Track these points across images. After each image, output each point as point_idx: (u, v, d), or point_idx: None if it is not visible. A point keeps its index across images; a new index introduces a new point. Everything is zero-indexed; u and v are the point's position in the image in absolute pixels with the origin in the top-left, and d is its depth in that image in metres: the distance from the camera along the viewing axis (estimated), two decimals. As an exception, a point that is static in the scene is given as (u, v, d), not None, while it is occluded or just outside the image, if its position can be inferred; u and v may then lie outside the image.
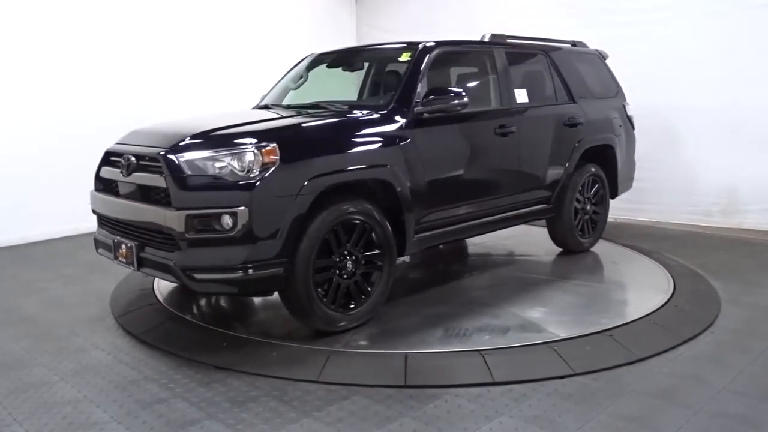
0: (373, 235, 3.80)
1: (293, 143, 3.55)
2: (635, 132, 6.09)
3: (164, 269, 3.47)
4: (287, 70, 5.35)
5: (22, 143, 6.41)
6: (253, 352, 3.53)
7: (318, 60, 5.16)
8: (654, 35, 6.87)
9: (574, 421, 2.76)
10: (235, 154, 3.38)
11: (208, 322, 4.06)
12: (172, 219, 3.34)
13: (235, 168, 3.34)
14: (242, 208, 3.27)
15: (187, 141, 3.53)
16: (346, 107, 4.37)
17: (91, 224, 4.34)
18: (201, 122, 3.91)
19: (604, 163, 5.66)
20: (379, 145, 3.89)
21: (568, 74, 5.41)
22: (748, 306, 4.23)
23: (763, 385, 3.11)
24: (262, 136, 3.49)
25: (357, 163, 3.76)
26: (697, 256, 5.46)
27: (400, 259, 5.30)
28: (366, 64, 5.30)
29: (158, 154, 3.47)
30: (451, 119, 4.27)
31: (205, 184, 3.38)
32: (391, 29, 8.94)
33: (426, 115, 4.10)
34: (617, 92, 5.98)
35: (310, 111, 4.43)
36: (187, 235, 3.31)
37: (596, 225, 5.67)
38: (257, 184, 3.31)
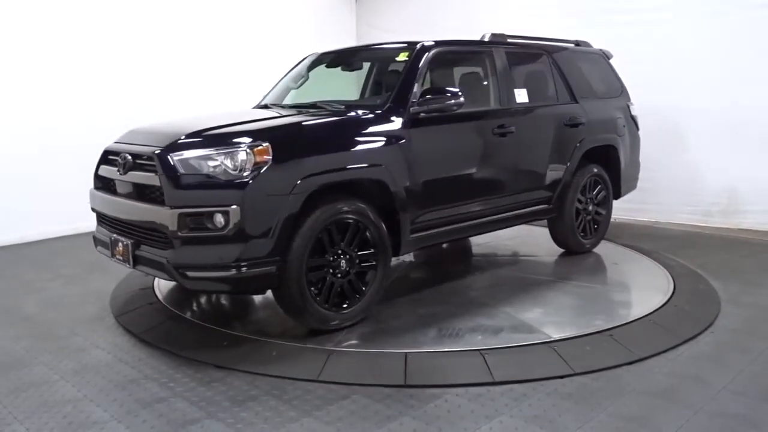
0: (368, 234, 3.80)
1: (286, 143, 3.57)
2: (640, 132, 6.05)
3: (158, 267, 3.50)
4: (288, 70, 5.35)
5: (21, 143, 6.41)
6: (253, 351, 3.53)
7: (319, 60, 5.16)
8: (654, 35, 6.87)
9: (574, 421, 2.76)
10: (228, 153, 3.40)
11: (208, 322, 4.06)
12: (165, 217, 3.38)
13: (228, 167, 3.37)
14: (234, 206, 3.30)
15: (181, 140, 3.56)
16: (343, 107, 4.37)
17: (90, 224, 4.36)
18: (197, 122, 3.93)
19: (607, 163, 5.63)
20: (374, 144, 3.90)
21: (570, 74, 5.39)
22: (747, 306, 4.23)
23: (762, 385, 3.11)
24: (255, 136, 3.51)
25: (351, 163, 3.77)
26: (696, 256, 5.46)
27: (401, 259, 5.36)
28: (364, 64, 5.30)
29: (153, 153, 3.51)
30: (448, 119, 4.26)
31: (198, 182, 3.41)
32: (391, 29, 8.96)
33: (422, 114, 4.10)
34: (621, 92, 5.94)
35: (308, 111, 4.43)
36: (180, 234, 3.35)
37: (599, 226, 5.65)
38: (249, 183, 3.34)
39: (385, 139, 3.94)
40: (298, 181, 3.46)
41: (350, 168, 3.76)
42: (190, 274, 3.41)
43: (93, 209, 4.18)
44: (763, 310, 4.16)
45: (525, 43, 5.25)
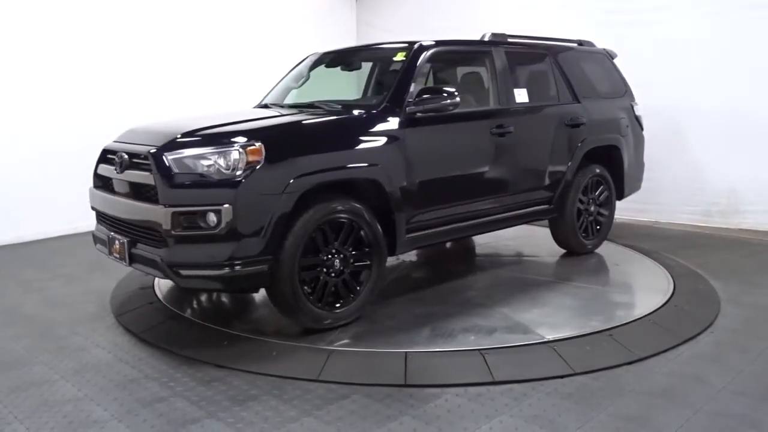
0: (362, 234, 3.81)
1: (278, 142, 3.58)
2: (644, 132, 6.01)
3: (152, 265, 3.54)
4: (289, 69, 5.36)
5: (20, 142, 6.41)
6: (253, 351, 3.53)
7: (320, 59, 5.16)
8: (654, 35, 6.87)
9: (574, 421, 2.76)
10: (221, 152, 3.43)
11: (208, 321, 4.06)
12: (159, 216, 3.41)
13: (221, 166, 3.39)
14: (226, 205, 3.32)
15: (176, 140, 3.59)
16: (340, 107, 4.37)
17: (89, 223, 4.38)
18: (193, 121, 3.95)
19: (611, 163, 5.60)
20: (369, 144, 3.90)
21: (571, 74, 5.36)
22: (747, 306, 4.23)
23: (762, 384, 3.11)
24: (248, 136, 3.53)
25: (345, 163, 3.77)
26: (696, 256, 5.47)
27: (401, 258, 5.37)
28: (363, 64, 5.30)
29: (148, 152, 3.54)
30: (445, 119, 4.25)
31: (191, 182, 3.43)
32: (389, 28, 8.96)
33: (419, 114, 4.10)
34: (625, 92, 5.90)
35: (305, 110, 4.43)
36: (173, 232, 3.38)
37: (601, 226, 5.61)
38: (241, 182, 3.35)
39: (380, 138, 3.95)
40: (291, 181, 3.47)
41: (344, 168, 3.76)
42: (183, 272, 3.45)
43: (92, 208, 4.21)
44: (763, 310, 4.16)
45: (525, 43, 5.23)
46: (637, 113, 5.91)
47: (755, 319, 4.02)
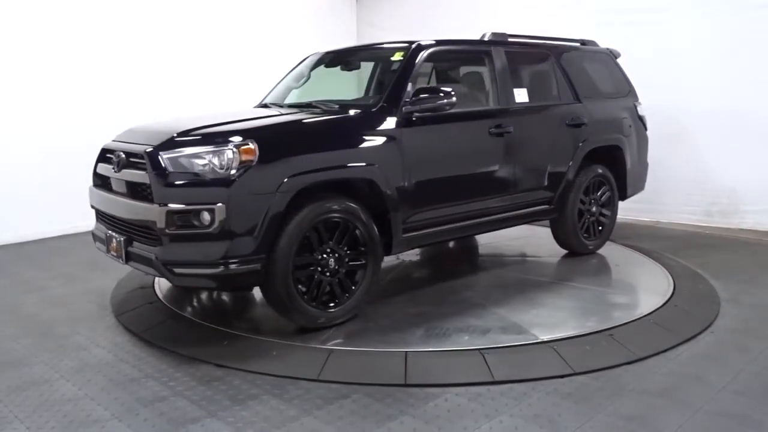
0: (357, 233, 3.81)
1: (272, 142, 3.60)
2: (648, 132, 5.97)
3: (147, 263, 3.56)
4: (290, 69, 5.36)
5: (20, 141, 6.41)
6: (254, 351, 3.53)
7: (321, 59, 5.16)
8: (654, 35, 6.87)
9: (574, 420, 2.76)
10: (215, 152, 3.44)
11: (208, 321, 4.06)
12: (154, 214, 3.43)
13: (215, 166, 3.41)
14: (220, 204, 3.34)
15: (171, 139, 3.61)
16: (337, 107, 4.37)
17: (89, 223, 4.39)
18: (191, 121, 3.96)
19: (613, 164, 5.57)
20: (364, 144, 3.91)
21: (573, 74, 5.33)
22: (747, 306, 4.23)
23: (762, 384, 3.11)
24: (242, 135, 3.54)
25: (339, 162, 3.78)
26: (697, 255, 5.46)
27: (401, 258, 5.37)
28: (362, 64, 5.29)
29: (143, 151, 3.56)
30: (443, 118, 4.24)
31: (186, 181, 3.45)
32: (389, 27, 8.96)
33: (416, 114, 4.10)
34: (629, 92, 5.86)
35: (303, 110, 4.43)
36: (167, 231, 3.40)
37: (603, 227, 5.58)
38: (235, 181, 3.37)
39: (376, 138, 3.95)
40: (285, 180, 3.49)
41: (339, 167, 3.77)
42: (177, 270, 3.47)
43: (92, 206, 4.25)
44: (763, 310, 4.16)
45: (526, 43, 5.22)
46: (640, 113, 5.87)
47: (755, 318, 4.02)
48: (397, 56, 4.40)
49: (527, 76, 5.07)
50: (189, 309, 4.33)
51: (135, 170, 3.66)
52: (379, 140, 3.95)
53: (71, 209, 6.14)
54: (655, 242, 6.02)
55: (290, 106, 4.79)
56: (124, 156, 3.77)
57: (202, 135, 3.68)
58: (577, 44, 5.68)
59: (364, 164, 3.85)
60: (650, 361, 3.37)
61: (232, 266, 3.41)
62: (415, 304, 4.25)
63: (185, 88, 7.43)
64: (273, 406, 2.92)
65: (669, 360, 3.39)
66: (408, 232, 4.13)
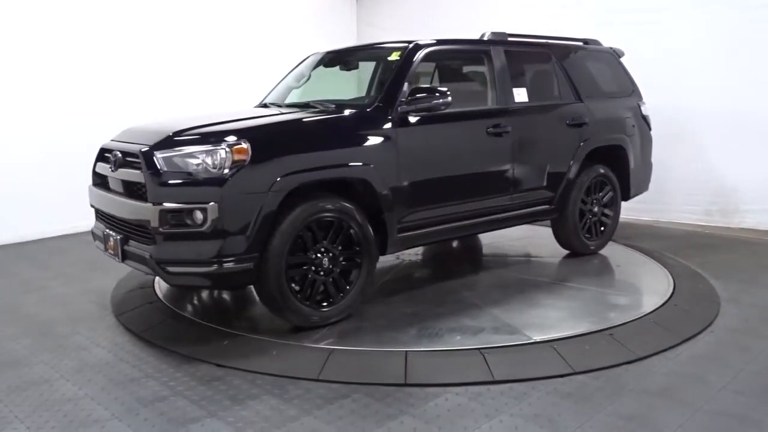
0: (352, 233, 3.82)
1: (265, 141, 3.61)
2: (652, 132, 5.93)
3: (142, 261, 3.58)
4: (291, 69, 5.36)
5: (20, 141, 6.41)
6: (254, 350, 3.53)
7: (322, 59, 5.16)
8: (654, 35, 6.87)
9: (574, 420, 2.76)
10: (208, 151, 3.46)
11: (208, 320, 4.06)
12: (148, 213, 3.46)
13: (209, 165, 3.43)
14: (212, 204, 3.36)
15: (166, 139, 3.64)
16: (334, 106, 4.36)
17: (89, 223, 4.41)
18: (188, 121, 3.97)
19: (616, 164, 5.54)
20: (359, 143, 3.91)
21: (574, 73, 5.30)
22: (747, 305, 4.23)
23: (762, 384, 3.11)
24: (235, 135, 3.55)
25: (333, 162, 3.78)
26: (697, 255, 5.46)
27: (401, 257, 5.36)
28: (360, 64, 5.28)
29: (138, 150, 3.60)
30: (439, 118, 4.23)
31: (179, 180, 3.47)
32: (389, 27, 8.95)
33: (411, 114, 4.09)
34: (633, 91, 5.83)
35: (301, 110, 4.43)
36: (161, 229, 3.43)
37: (605, 227, 5.55)
38: (227, 180, 3.39)
39: (371, 138, 3.95)
40: (277, 179, 3.50)
41: (332, 167, 3.77)
42: (171, 269, 3.50)
43: (91, 205, 4.28)
44: (763, 310, 4.16)
45: (525, 42, 5.19)
46: (644, 113, 5.83)
47: (755, 318, 4.02)
48: (394, 56, 4.40)
49: (527, 76, 5.04)
50: (189, 308, 4.33)
51: (131, 169, 3.69)
52: (374, 140, 3.95)
53: (71, 209, 6.14)
54: (656, 242, 6.02)
55: (289, 105, 4.79)
56: (120, 155, 3.80)
57: (197, 135, 3.69)
58: (580, 43, 5.65)
59: (358, 164, 3.85)
60: (650, 360, 3.37)
61: (225, 265, 3.43)
62: (413, 304, 4.25)
63: (186, 88, 7.43)
64: (273, 406, 2.92)
65: (669, 359, 3.39)
66: (403, 232, 4.13)
